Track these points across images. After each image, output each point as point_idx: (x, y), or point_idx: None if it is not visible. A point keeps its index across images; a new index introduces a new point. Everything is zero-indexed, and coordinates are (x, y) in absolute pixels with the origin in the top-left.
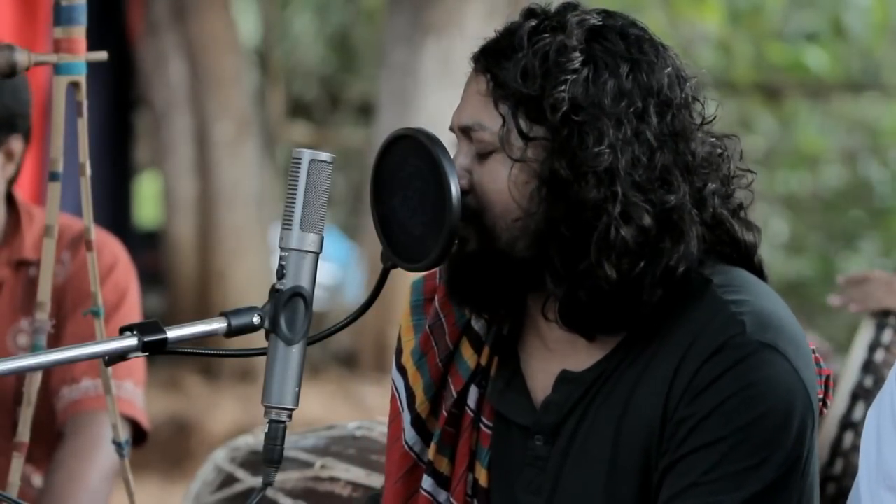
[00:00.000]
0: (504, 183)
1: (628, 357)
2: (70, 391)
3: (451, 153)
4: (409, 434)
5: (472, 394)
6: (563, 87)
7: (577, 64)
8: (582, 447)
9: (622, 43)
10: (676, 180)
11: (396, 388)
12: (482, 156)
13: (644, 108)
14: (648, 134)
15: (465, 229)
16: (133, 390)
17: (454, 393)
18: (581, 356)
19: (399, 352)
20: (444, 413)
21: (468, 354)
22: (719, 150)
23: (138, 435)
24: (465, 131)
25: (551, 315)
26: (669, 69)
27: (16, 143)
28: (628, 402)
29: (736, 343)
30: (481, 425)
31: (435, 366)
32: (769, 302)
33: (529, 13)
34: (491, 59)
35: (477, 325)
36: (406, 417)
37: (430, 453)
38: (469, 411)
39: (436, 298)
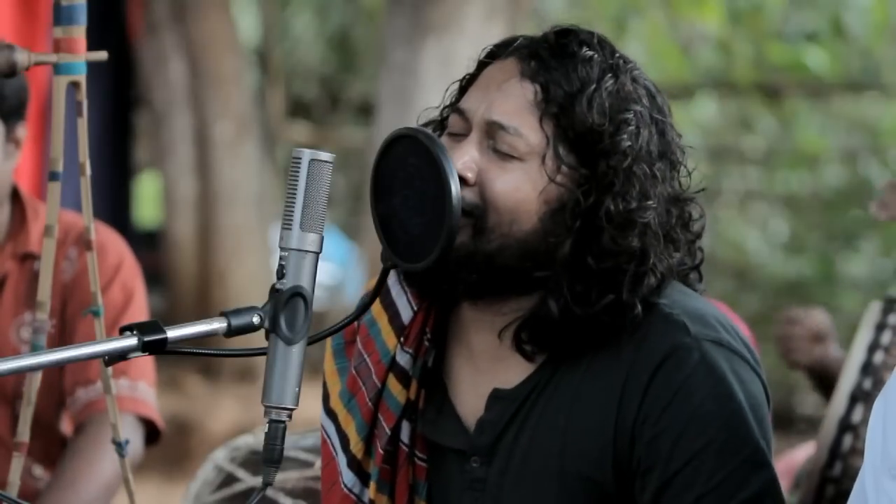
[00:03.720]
0: (521, 193)
1: (560, 369)
2: (86, 392)
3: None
4: (348, 476)
5: (405, 429)
6: (625, 135)
7: (631, 115)
8: (522, 464)
9: (649, 100)
10: (678, 237)
11: (327, 434)
12: (502, 157)
13: (662, 167)
14: (665, 194)
15: (461, 221)
16: (147, 390)
17: (388, 430)
18: (511, 373)
19: (326, 396)
20: (380, 451)
21: (397, 390)
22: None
23: (152, 434)
24: (491, 127)
25: (507, 335)
26: (674, 135)
27: (22, 131)
28: (570, 414)
29: (686, 345)
30: (416, 459)
31: (365, 405)
32: (692, 298)
33: (580, 40)
34: (545, 71)
35: (402, 359)
36: (342, 460)
37: (371, 492)
38: (403, 446)
39: (357, 339)
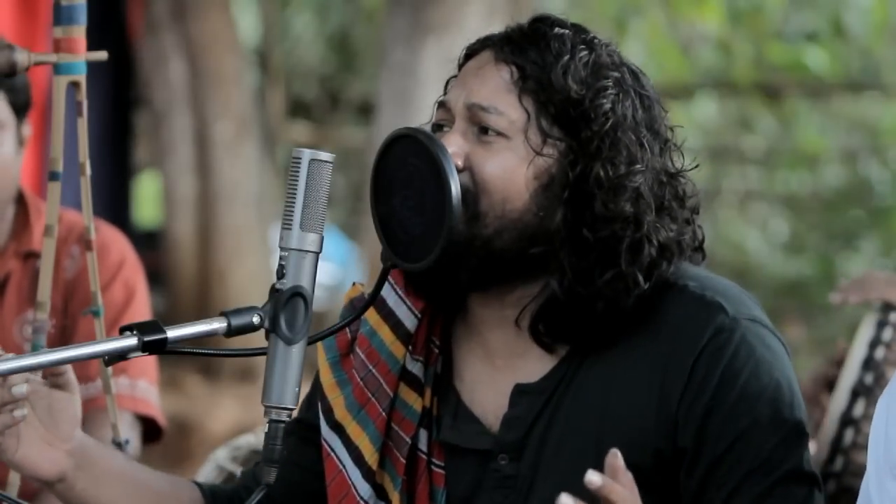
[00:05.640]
0: (509, 173)
1: (585, 361)
2: (86, 389)
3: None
4: (364, 489)
5: (422, 437)
6: (605, 100)
7: (610, 83)
8: (555, 456)
9: (630, 76)
10: (674, 210)
11: (331, 447)
12: (487, 140)
13: (649, 138)
14: (656, 166)
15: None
16: (148, 388)
17: (408, 439)
18: (531, 368)
19: (328, 410)
20: (402, 460)
21: (412, 399)
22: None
23: (154, 432)
24: (471, 110)
25: (524, 322)
26: (661, 112)
27: (26, 129)
28: (605, 404)
29: (728, 326)
30: (433, 466)
31: (378, 416)
32: (714, 278)
33: (551, 21)
34: (518, 52)
35: (413, 368)
36: (354, 473)
37: (395, 502)
38: (421, 455)
39: (358, 351)
